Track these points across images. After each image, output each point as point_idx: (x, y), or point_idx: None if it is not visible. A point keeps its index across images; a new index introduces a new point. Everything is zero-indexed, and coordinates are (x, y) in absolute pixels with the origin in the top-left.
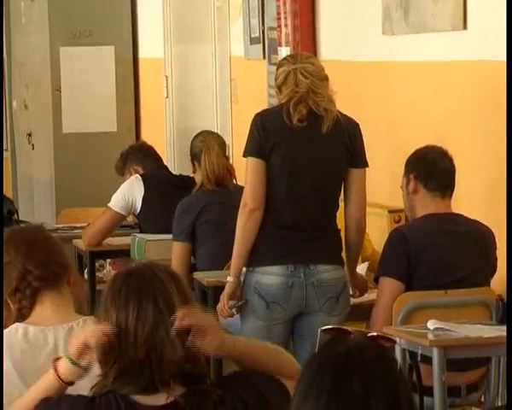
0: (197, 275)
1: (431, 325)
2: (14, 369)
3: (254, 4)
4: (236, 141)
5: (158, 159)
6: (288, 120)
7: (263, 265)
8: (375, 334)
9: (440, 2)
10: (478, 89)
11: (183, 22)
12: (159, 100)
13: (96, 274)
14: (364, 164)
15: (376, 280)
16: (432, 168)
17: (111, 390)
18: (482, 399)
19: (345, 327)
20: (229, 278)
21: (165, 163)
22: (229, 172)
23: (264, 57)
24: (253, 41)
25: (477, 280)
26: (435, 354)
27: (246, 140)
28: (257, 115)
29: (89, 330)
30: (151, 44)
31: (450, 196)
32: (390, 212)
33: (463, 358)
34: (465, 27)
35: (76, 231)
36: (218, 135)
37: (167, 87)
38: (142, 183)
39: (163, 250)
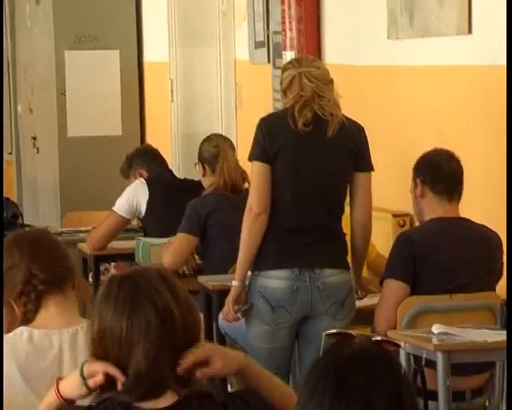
0: (202, 279)
1: (435, 329)
2: (18, 373)
3: (259, 8)
4: (241, 145)
5: (163, 162)
6: (293, 124)
7: (268, 269)
8: (379, 338)
9: (445, 6)
10: (483, 93)
11: (187, 26)
12: (163, 104)
13: (101, 278)
14: (370, 168)
15: (381, 283)
16: (438, 171)
17: (109, 398)
18: (487, 403)
19: (349, 331)
20: (235, 282)
21: (169, 167)
22: (244, 176)
23: (269, 61)
24: (258, 45)
25: (483, 285)
26: (440, 359)
27: (251, 144)
28: (262, 120)
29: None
30: (156, 48)
31: (458, 199)
32: (394, 216)
33: (468, 363)
34: (470, 32)
35: (80, 235)
36: (228, 139)
37: (172, 91)
38: (146, 187)
39: None
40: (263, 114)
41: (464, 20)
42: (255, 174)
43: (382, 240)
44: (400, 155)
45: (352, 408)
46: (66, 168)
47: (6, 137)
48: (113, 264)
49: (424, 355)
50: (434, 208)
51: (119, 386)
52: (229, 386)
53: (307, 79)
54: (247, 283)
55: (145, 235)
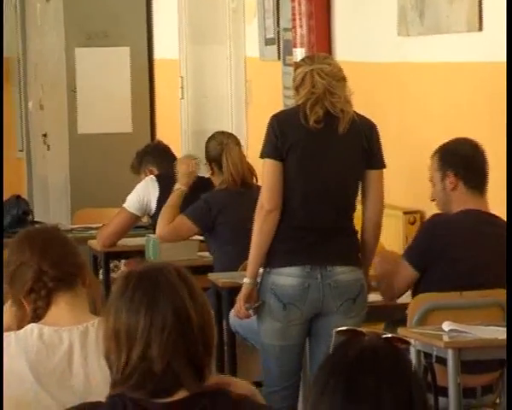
0: (212, 276)
1: (446, 326)
2: (29, 370)
3: (269, 5)
4: (251, 142)
5: (173, 159)
6: (305, 121)
7: (279, 266)
8: (389, 335)
9: (456, 3)
10: (493, 90)
11: (198, 23)
12: (174, 101)
13: (111, 275)
14: (381, 165)
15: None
16: (471, 165)
17: (119, 394)
18: (497, 401)
19: (359, 329)
20: (246, 280)
21: None
22: (251, 171)
23: (279, 58)
24: (268, 42)
25: (500, 286)
26: (450, 356)
27: (262, 141)
28: (273, 117)
29: None
30: (166, 45)
31: (486, 191)
32: (405, 213)
33: (479, 360)
34: (480, 29)
35: (91, 232)
36: (232, 135)
37: (182, 88)
38: (156, 184)
39: (178, 251)
40: (273, 111)
41: (475, 17)
42: (267, 172)
43: (393, 237)
44: (410, 152)
45: (362, 408)
46: (76, 165)
47: (17, 134)
48: (123, 261)
49: (434, 353)
50: (466, 202)
51: None
52: None
53: (319, 75)
54: (258, 280)
55: (155, 232)
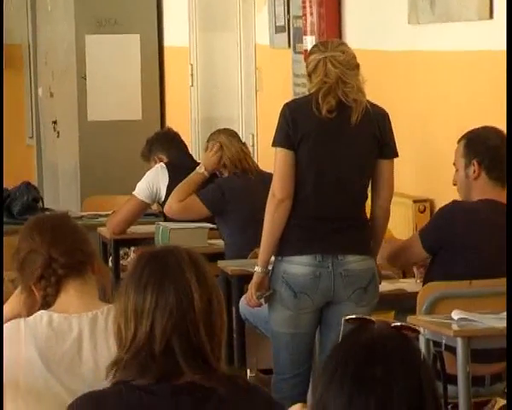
0: (221, 263)
1: (455, 315)
2: (38, 357)
3: None
4: (261, 130)
5: (183, 147)
6: (317, 110)
7: (291, 254)
8: (398, 324)
9: None
10: (504, 78)
11: (208, 11)
12: (184, 88)
13: (121, 262)
14: (394, 154)
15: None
16: (496, 156)
17: (123, 381)
18: (506, 390)
19: (368, 317)
20: (257, 268)
21: (190, 151)
22: (246, 154)
23: (290, 46)
24: (279, 30)
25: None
26: (459, 345)
27: (272, 129)
28: (285, 105)
29: None
30: (176, 33)
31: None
32: (415, 202)
33: (488, 349)
34: (491, 17)
35: (100, 219)
36: (227, 130)
37: (192, 76)
38: (166, 171)
39: (187, 239)
40: (283, 99)
41: (485, 5)
42: (278, 161)
43: (403, 225)
44: (421, 140)
45: (371, 398)
46: (86, 152)
47: (27, 121)
48: (132, 248)
49: (444, 341)
50: (487, 192)
51: None
52: (248, 371)
53: (332, 64)
54: (269, 268)
55: (165, 219)
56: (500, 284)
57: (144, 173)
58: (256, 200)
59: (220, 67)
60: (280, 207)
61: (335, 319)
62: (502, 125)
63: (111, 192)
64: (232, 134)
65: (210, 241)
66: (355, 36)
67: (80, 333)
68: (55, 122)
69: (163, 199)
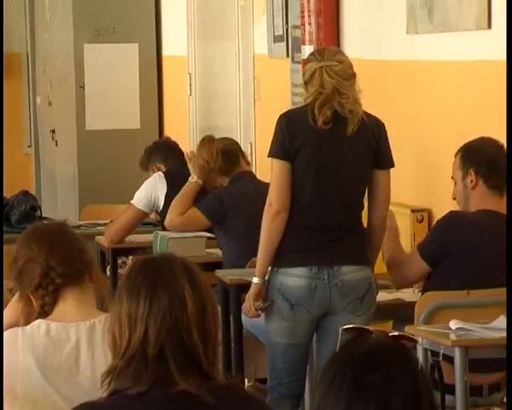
0: (219, 273)
1: (453, 325)
2: (36, 365)
3: (278, 2)
4: (259, 139)
5: (181, 156)
6: (313, 121)
7: (287, 266)
8: (396, 333)
9: (465, 1)
10: (503, 88)
11: (206, 20)
12: (182, 98)
13: (119, 271)
14: (390, 164)
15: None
16: (493, 165)
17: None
18: (505, 399)
19: (365, 327)
20: (255, 279)
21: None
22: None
23: (288, 55)
24: (277, 39)
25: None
26: (457, 354)
27: (270, 139)
28: (282, 116)
29: None
30: (175, 42)
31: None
32: (413, 211)
33: (486, 359)
34: (490, 26)
35: (99, 228)
36: (206, 137)
37: (190, 85)
38: (164, 180)
39: (186, 248)
40: (281, 109)
41: (484, 15)
42: (275, 172)
43: (401, 235)
44: (419, 150)
45: (369, 406)
46: (84, 161)
47: (25, 129)
48: (130, 257)
49: (442, 351)
50: (485, 201)
51: None
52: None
53: (328, 74)
54: (266, 278)
55: (163, 229)
56: (498, 293)
57: (142, 182)
58: (254, 207)
59: (218, 77)
60: (277, 218)
61: (332, 328)
62: (501, 135)
63: (109, 201)
64: (204, 140)
65: (208, 250)
66: (353, 45)
67: (78, 342)
68: (53, 131)
69: (161, 208)
